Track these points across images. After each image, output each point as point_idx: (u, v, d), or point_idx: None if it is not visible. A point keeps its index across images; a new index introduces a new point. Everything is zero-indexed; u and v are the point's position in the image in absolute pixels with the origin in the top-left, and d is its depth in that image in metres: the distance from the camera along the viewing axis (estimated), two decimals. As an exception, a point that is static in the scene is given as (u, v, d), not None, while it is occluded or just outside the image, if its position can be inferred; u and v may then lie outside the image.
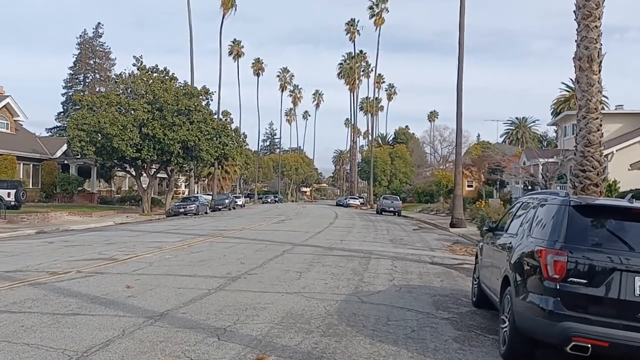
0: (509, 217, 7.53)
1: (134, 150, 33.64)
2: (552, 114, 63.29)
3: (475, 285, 8.52)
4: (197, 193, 79.64)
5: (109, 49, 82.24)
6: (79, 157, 36.42)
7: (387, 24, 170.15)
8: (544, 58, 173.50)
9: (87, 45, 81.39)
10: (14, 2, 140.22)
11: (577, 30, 12.86)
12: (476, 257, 8.94)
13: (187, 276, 10.04)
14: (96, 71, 78.35)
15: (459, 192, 30.12)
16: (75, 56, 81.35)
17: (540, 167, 33.10)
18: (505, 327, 5.87)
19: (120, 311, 7.08)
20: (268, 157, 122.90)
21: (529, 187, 33.21)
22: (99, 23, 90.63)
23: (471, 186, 53.50)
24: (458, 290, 9.86)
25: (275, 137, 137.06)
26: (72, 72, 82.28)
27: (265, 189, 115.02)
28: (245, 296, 8.30)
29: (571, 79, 60.56)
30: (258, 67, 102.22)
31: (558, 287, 4.99)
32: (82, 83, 78.53)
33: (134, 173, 38.36)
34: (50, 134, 71.64)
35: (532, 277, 5.38)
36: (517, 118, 75.71)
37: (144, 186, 38.35)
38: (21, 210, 30.61)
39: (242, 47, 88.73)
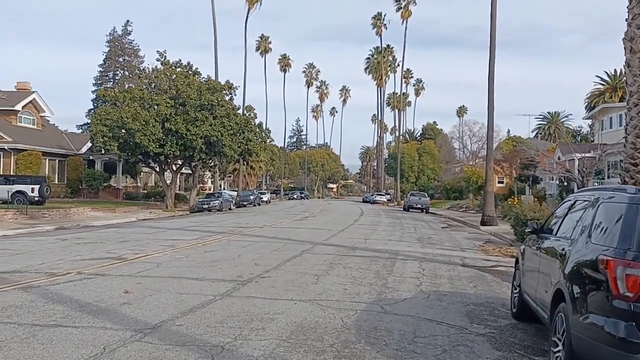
0: (558, 218, 6.44)
1: (157, 146, 33.20)
2: (586, 108, 60.98)
3: (516, 295, 7.45)
4: (223, 189, 79.76)
5: (138, 46, 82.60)
6: (102, 152, 36.19)
7: (415, 19, 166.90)
8: (576, 52, 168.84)
9: (116, 43, 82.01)
10: (45, 1, 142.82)
11: (627, 7, 11.56)
12: (516, 262, 7.85)
13: (193, 279, 9.21)
14: (125, 68, 78.73)
15: (490, 188, 28.74)
16: (105, 54, 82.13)
17: (577, 162, 31.49)
18: (559, 351, 4.83)
19: (109, 322, 6.25)
20: (294, 154, 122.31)
21: (565, 183, 31.60)
22: (127, 21, 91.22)
23: (502, 182, 51.73)
24: (494, 298, 8.78)
25: (301, 133, 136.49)
26: (101, 70, 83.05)
27: (292, 186, 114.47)
28: (254, 304, 7.40)
29: (606, 72, 58.29)
30: (285, 63, 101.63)
31: (632, 309, 3.92)
32: (112, 80, 79.09)
33: (157, 169, 38.00)
34: (80, 130, 72.37)
35: (595, 294, 4.31)
36: (549, 112, 73.45)
37: (167, 182, 37.94)
38: (45, 206, 30.46)
39: (270, 42, 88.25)
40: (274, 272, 10.22)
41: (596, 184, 31.59)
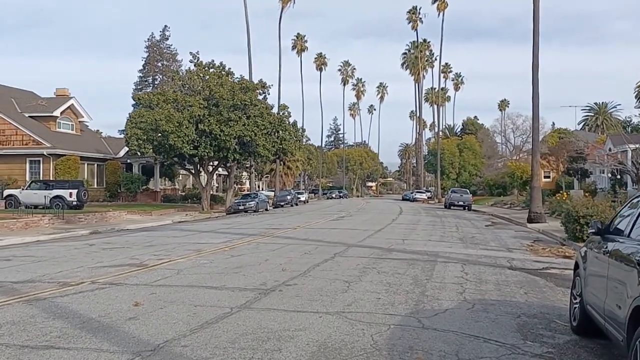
0: (629, 216, 5.36)
1: (191, 147, 32.97)
2: (636, 97, 57.99)
3: (576, 305, 6.37)
4: (261, 189, 79.72)
5: (176, 50, 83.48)
6: (137, 155, 36.27)
7: (453, 12, 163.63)
8: (624, 39, 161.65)
9: (154, 48, 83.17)
10: (90, 13, 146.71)
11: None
12: (576, 267, 6.75)
13: (213, 288, 8.47)
14: (164, 73, 79.71)
15: (536, 183, 27.15)
16: (144, 59, 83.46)
17: (630, 153, 29.52)
18: (641, 385, 3.81)
19: (107, 342, 5.53)
20: (332, 153, 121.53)
21: (618, 176, 29.65)
22: (165, 26, 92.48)
23: (548, 177, 49.56)
24: (549, 308, 7.70)
25: (339, 132, 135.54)
26: (141, 75, 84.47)
27: (330, 185, 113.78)
28: (273, 318, 6.58)
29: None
30: (321, 62, 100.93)
31: None
32: (152, 85, 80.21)
33: (192, 170, 37.86)
34: (122, 135, 73.75)
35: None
36: (596, 103, 70.27)
37: (203, 184, 37.72)
38: (83, 210, 30.66)
39: (306, 41, 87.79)
40: (301, 279, 9.39)
41: (653, 176, 29.54)
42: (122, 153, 42.29)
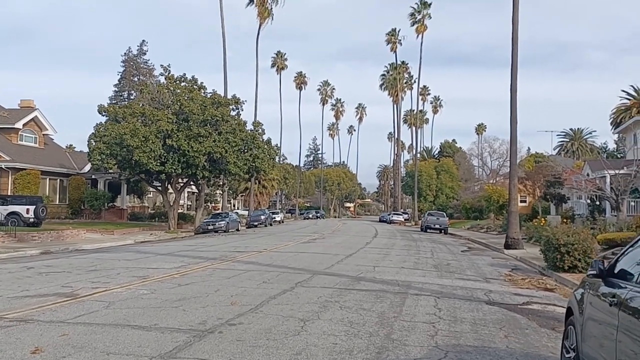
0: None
1: (158, 163, 31.46)
2: (611, 123, 58.27)
3: (569, 360, 5.24)
4: (237, 209, 77.97)
5: (153, 65, 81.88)
6: (100, 170, 34.56)
7: (432, 39, 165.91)
8: (598, 69, 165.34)
9: (131, 63, 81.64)
10: (68, 28, 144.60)
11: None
12: (569, 313, 5.61)
13: (140, 329, 7.12)
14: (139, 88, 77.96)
15: (514, 208, 26.26)
16: (120, 74, 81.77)
17: (608, 179, 28.91)
18: None
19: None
20: (310, 172, 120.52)
21: (597, 203, 29.01)
22: (143, 40, 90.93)
23: (524, 201, 49.00)
24: (534, 357, 6.55)
25: (318, 152, 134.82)
26: (116, 90, 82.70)
27: (308, 205, 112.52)
28: (199, 373, 5.29)
29: (633, 86, 55.69)
30: (300, 81, 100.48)
31: None
32: (127, 99, 78.47)
33: (160, 188, 36.29)
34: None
35: None
36: (571, 129, 70.74)
37: (171, 202, 36.13)
38: (40, 228, 28.86)
39: (286, 59, 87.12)
40: (250, 316, 8.10)
41: (632, 203, 29.00)
42: (87, 168, 40.52)
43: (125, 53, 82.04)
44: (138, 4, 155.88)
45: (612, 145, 63.75)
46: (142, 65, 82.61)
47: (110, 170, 35.70)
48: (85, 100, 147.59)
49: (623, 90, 56.23)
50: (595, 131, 70.86)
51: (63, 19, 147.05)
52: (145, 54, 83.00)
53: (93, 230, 31.42)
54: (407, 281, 12.77)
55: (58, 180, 39.22)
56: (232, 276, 12.57)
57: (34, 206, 29.77)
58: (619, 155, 53.44)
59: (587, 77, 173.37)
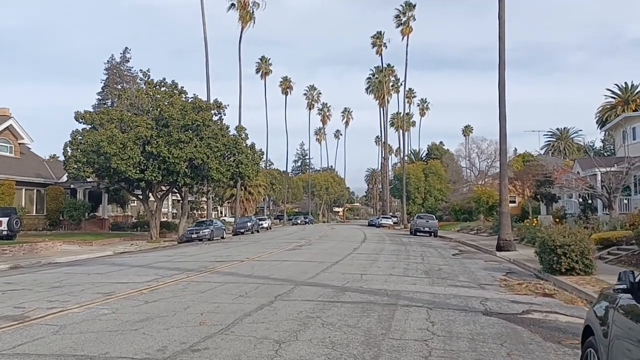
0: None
1: (137, 171, 30.32)
2: (597, 122, 58.17)
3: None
4: (224, 215, 76.68)
5: (137, 73, 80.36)
6: (76, 179, 33.29)
7: (418, 42, 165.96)
8: (581, 69, 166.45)
9: (114, 70, 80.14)
10: (51, 38, 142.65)
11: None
12: (587, 332, 4.72)
13: (84, 359, 6.13)
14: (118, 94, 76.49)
15: (505, 209, 25.48)
16: (103, 82, 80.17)
17: (599, 177, 28.35)
18: None
19: None
20: (298, 177, 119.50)
21: (589, 201, 28.38)
22: (126, 48, 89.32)
23: (514, 202, 48.45)
24: (544, 381, 5.65)
25: (306, 157, 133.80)
26: (100, 98, 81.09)
27: (296, 210, 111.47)
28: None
29: (617, 85, 55.64)
30: (286, 86, 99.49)
31: None
32: (118, 108, 76.90)
33: (141, 196, 35.12)
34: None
35: None
36: (557, 129, 70.64)
37: (152, 210, 34.96)
38: (14, 240, 27.59)
39: (270, 64, 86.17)
40: (219, 339, 7.12)
41: (625, 200, 28.42)
42: (65, 177, 39.18)
43: (108, 61, 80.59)
44: (121, 12, 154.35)
45: (598, 144, 63.61)
46: (125, 73, 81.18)
47: (89, 179, 34.51)
48: (69, 110, 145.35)
49: (608, 89, 56.17)
50: (581, 130, 71.18)
51: (45, 28, 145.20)
52: (128, 61, 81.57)
53: (71, 241, 30.20)
54: (396, 290, 11.86)
55: (35, 190, 37.87)
56: (206, 290, 11.56)
57: (7, 218, 28.45)
58: (606, 154, 53.18)
59: (569, 79, 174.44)
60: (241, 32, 55.88)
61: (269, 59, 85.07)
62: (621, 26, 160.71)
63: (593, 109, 59.34)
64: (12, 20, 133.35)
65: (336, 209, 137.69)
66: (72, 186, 39.56)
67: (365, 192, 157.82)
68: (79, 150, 30.06)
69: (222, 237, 38.18)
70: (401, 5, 71.40)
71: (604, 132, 54.72)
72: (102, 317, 8.59)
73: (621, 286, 3.89)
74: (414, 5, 71.08)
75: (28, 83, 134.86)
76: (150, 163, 30.76)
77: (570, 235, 15.23)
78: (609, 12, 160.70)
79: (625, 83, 54.89)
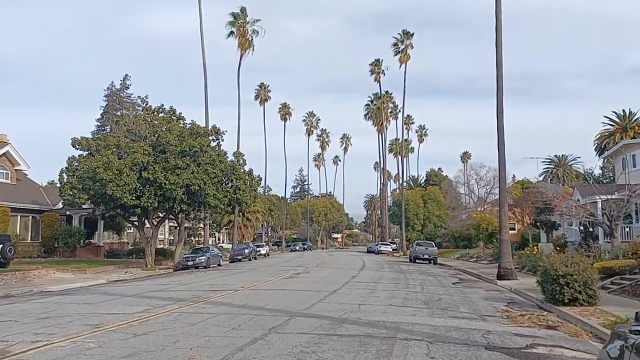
0: None
1: (133, 197, 30.02)
2: (595, 149, 58.19)
3: None
4: (221, 242, 76.04)
5: (137, 99, 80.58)
6: (73, 206, 32.94)
7: (416, 69, 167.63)
8: (579, 96, 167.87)
9: (114, 97, 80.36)
10: (51, 64, 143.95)
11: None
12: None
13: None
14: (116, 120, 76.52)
15: (505, 236, 25.16)
16: (103, 108, 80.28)
17: (600, 204, 28.06)
18: None
19: None
20: (296, 204, 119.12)
21: (590, 229, 28.04)
22: (126, 75, 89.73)
23: (513, 229, 48.06)
24: None
25: (305, 183, 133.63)
26: (99, 124, 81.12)
27: (295, 236, 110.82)
28: None
29: (615, 112, 55.89)
30: (285, 112, 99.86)
31: None
32: (115, 134, 76.79)
33: (136, 223, 34.73)
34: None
35: None
36: (556, 156, 70.68)
37: (147, 237, 34.54)
38: (8, 268, 27.15)
39: (269, 91, 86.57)
40: (207, 377, 6.75)
41: (626, 229, 28.10)
42: (61, 204, 38.89)
43: (108, 87, 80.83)
44: (121, 39, 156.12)
45: (597, 171, 63.55)
46: (125, 100, 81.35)
47: (85, 206, 34.19)
48: (69, 136, 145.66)
49: (605, 117, 56.32)
50: (579, 157, 71.01)
51: (46, 55, 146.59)
52: (128, 88, 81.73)
53: (64, 269, 29.73)
54: (395, 322, 11.47)
55: (30, 217, 37.51)
56: (198, 322, 11.17)
57: (1, 245, 28.07)
58: (605, 181, 53.06)
59: (567, 106, 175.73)
60: (240, 59, 56.30)
61: (268, 85, 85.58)
62: (619, 54, 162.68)
63: (591, 135, 59.50)
64: (12, 47, 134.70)
65: (335, 235, 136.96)
66: (67, 213, 39.20)
67: (364, 218, 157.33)
68: (75, 177, 29.82)
69: (219, 265, 37.68)
70: (399, 33, 72.23)
71: (603, 160, 54.70)
72: (87, 352, 8.22)
73: (638, 327, 3.59)
74: (412, 34, 71.88)
75: (28, 109, 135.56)
76: (147, 189, 30.50)
77: (573, 265, 14.89)
78: (606, 40, 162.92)
79: (623, 110, 55.13)
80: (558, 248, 29.25)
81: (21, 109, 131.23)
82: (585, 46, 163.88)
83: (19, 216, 36.08)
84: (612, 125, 55.94)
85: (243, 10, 55.64)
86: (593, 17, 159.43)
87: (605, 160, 51.11)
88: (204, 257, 35.22)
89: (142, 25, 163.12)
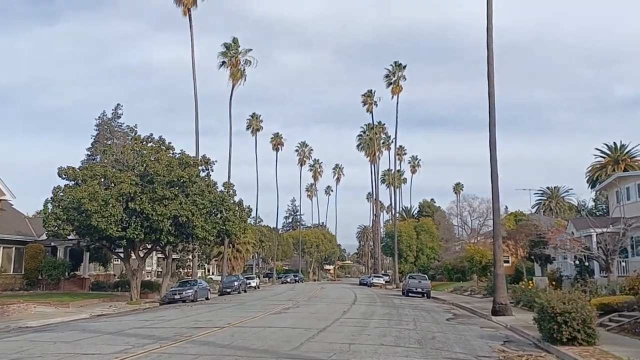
0: None
1: (119, 229, 29.32)
2: (587, 181, 58.14)
3: None
4: (211, 274, 74.71)
5: (128, 129, 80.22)
6: (58, 237, 32.10)
7: (409, 100, 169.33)
8: (570, 129, 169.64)
9: (105, 127, 79.97)
10: (42, 93, 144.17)
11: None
12: None
13: None
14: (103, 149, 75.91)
15: (500, 270, 24.62)
16: (93, 137, 79.75)
17: (595, 237, 27.67)
18: None
19: None
20: (288, 234, 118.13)
21: (586, 263, 27.57)
22: (118, 104, 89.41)
23: (507, 262, 47.49)
24: None
25: (297, 213, 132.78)
26: (89, 154, 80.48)
27: (286, 268, 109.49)
28: None
29: (606, 144, 56.07)
30: (277, 142, 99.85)
31: None
32: (102, 164, 76.04)
33: (122, 254, 33.91)
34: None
35: None
36: (548, 188, 70.72)
37: (133, 269, 33.66)
38: (-12, 302, 26.20)
39: (261, 121, 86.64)
40: None
41: (623, 263, 27.66)
42: (45, 235, 37.98)
43: (99, 117, 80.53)
44: (114, 68, 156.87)
45: (590, 203, 63.43)
46: (116, 129, 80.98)
47: (70, 237, 33.39)
48: (59, 165, 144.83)
49: (597, 149, 56.42)
50: (572, 189, 70.96)
51: (37, 84, 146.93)
52: (120, 117, 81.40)
53: (46, 303, 28.78)
54: (386, 365, 10.82)
55: (13, 248, 36.54)
56: (176, 366, 10.48)
57: (-20, 279, 27.24)
58: (598, 213, 52.86)
59: (558, 137, 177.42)
60: (232, 89, 56.32)
61: (260, 115, 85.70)
62: (608, 87, 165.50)
63: (583, 167, 59.59)
64: (3, 75, 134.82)
65: (327, 267, 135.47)
66: (52, 244, 38.26)
67: (357, 249, 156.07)
68: (60, 207, 29.14)
69: (207, 298, 36.75)
70: (391, 65, 72.85)
71: (596, 192, 54.62)
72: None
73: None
74: (404, 66, 72.52)
75: (18, 138, 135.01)
76: (133, 220, 29.83)
77: (571, 302, 14.35)
78: (596, 73, 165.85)
79: (614, 143, 55.31)
80: (554, 283, 28.71)
81: (10, 137, 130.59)
82: (575, 79, 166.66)
83: (1, 247, 35.15)
84: (603, 157, 56.06)
85: (235, 41, 55.96)
86: (583, 50, 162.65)
87: (598, 192, 50.99)
88: (191, 291, 34.32)
89: (136, 55, 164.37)
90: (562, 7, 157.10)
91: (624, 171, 45.29)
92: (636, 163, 52.36)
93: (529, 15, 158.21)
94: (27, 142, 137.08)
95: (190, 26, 47.46)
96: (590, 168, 57.63)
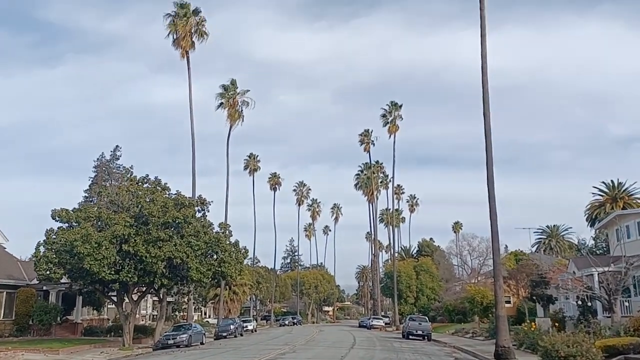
0: None
1: (112, 272, 28.74)
2: (587, 219, 57.89)
3: None
4: (208, 317, 73.25)
5: (125, 171, 79.98)
6: (47, 280, 31.42)
7: (406, 138, 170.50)
8: (567, 168, 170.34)
9: (103, 168, 79.88)
10: (41, 136, 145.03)
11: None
12: None
13: None
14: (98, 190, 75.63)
15: (501, 312, 23.92)
16: (91, 179, 79.48)
17: (596, 277, 27.18)
18: None
19: None
20: (286, 275, 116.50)
21: (589, 304, 26.95)
22: (117, 146, 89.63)
23: (508, 302, 46.68)
24: None
25: (295, 253, 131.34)
26: (86, 195, 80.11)
27: (285, 310, 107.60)
28: None
29: (604, 183, 56.00)
30: (274, 182, 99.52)
31: None
32: (96, 206, 75.61)
33: (116, 298, 33.14)
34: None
35: None
36: (547, 226, 70.32)
37: (126, 313, 32.83)
38: (-26, 349, 25.42)
39: (259, 161, 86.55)
40: None
41: (626, 303, 27.07)
42: (37, 279, 37.27)
43: (98, 159, 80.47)
44: (112, 110, 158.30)
45: (590, 241, 62.93)
46: (114, 170, 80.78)
47: (62, 280, 32.74)
48: (56, 207, 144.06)
49: (595, 187, 56.43)
50: (571, 227, 70.68)
51: (33, 126, 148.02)
52: (118, 159, 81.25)
53: (36, 350, 27.90)
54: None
55: (4, 293, 35.76)
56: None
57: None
58: (598, 252, 52.33)
59: (555, 176, 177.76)
60: (229, 130, 56.54)
61: (257, 155, 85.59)
62: (603, 127, 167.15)
63: (581, 205, 59.37)
64: (2, 117, 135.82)
65: (326, 308, 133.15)
66: (45, 288, 37.50)
67: (356, 290, 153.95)
68: (52, 250, 28.64)
69: (202, 343, 35.80)
70: (387, 104, 73.45)
71: (595, 230, 54.23)
72: None
73: None
74: (400, 105, 73.13)
75: (16, 180, 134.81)
76: (127, 263, 29.27)
77: (575, 345, 13.92)
78: (590, 113, 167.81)
79: (612, 181, 55.35)
80: (557, 324, 28.02)
81: (8, 178, 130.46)
82: (570, 119, 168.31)
83: (-8, 292, 34.45)
84: (601, 195, 56.00)
85: (233, 82, 56.50)
86: (577, 91, 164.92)
87: (598, 230, 50.60)
88: (186, 335, 33.42)
89: (135, 96, 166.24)
90: (555, 50, 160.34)
91: (622, 209, 45.06)
92: (634, 201, 52.26)
93: (524, 56, 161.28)
94: (25, 184, 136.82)
95: (188, 68, 47.96)
96: (589, 206, 57.46)
